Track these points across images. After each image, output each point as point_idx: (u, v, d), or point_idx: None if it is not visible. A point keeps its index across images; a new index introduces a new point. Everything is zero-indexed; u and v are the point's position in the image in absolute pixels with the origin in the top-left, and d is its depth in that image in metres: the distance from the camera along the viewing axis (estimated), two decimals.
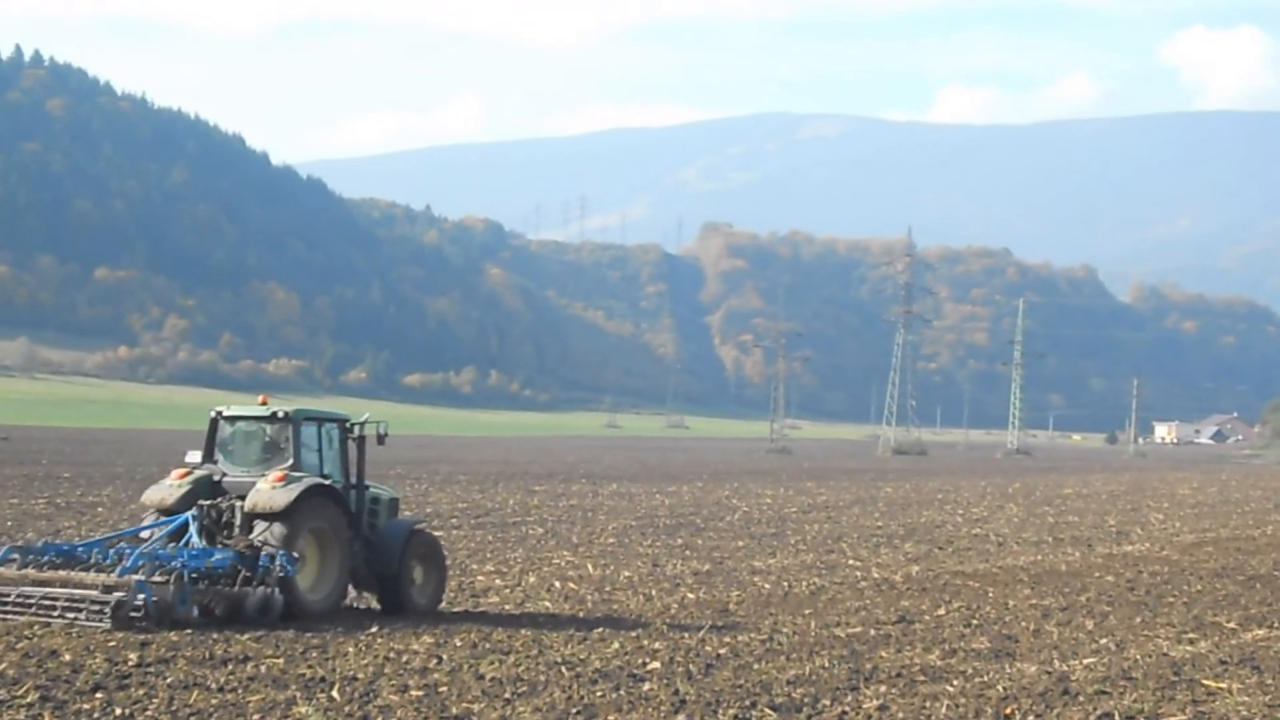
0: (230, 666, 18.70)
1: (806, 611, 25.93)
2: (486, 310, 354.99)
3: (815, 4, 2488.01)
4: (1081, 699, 18.51)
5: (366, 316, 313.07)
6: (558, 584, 29.32)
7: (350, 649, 20.27)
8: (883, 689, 18.64)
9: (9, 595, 21.05)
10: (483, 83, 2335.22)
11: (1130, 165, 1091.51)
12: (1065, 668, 20.68)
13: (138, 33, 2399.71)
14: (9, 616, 20.92)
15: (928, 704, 17.84)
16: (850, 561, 36.06)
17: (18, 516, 40.21)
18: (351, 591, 24.67)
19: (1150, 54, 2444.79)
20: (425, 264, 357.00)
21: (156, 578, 20.84)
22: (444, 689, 17.74)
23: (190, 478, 23.27)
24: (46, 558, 21.99)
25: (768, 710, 17.25)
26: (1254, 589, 31.89)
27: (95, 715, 15.92)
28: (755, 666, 19.96)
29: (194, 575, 21.15)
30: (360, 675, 18.42)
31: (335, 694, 17.27)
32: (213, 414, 24.01)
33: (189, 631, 21.10)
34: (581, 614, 24.82)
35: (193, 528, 22.54)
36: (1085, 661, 21.28)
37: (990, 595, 29.55)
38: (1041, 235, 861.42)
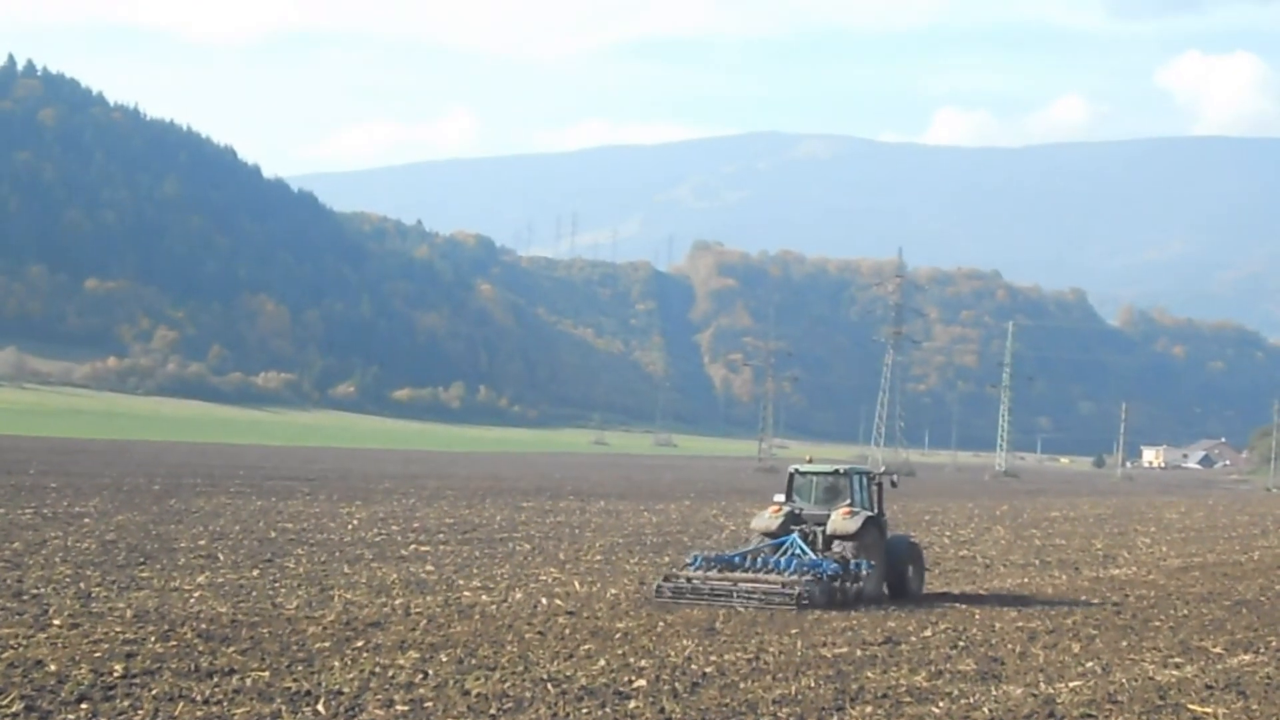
0: (216, 679, 18.67)
1: (793, 631, 25.92)
2: (476, 326, 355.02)
3: (810, 24, 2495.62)
4: None
5: (356, 331, 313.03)
6: (544, 600, 29.27)
7: (336, 663, 20.23)
8: (869, 710, 18.62)
9: (710, 589, 29.56)
10: (476, 98, 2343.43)
11: (1122, 189, 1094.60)
12: (1051, 690, 20.68)
13: (131, 43, 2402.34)
14: (714, 603, 28.98)
15: None
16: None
17: (4, 526, 40.11)
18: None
19: (1145, 78, 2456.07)
20: (415, 279, 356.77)
21: (809, 579, 29.66)
22: (429, 704, 17.69)
23: (782, 512, 32.70)
24: (717, 564, 31.02)
25: None
26: (1240, 614, 31.92)
27: None
28: (741, 686, 19.93)
29: (827, 577, 30.15)
30: (346, 690, 18.38)
31: (320, 708, 17.24)
32: (791, 470, 33.78)
33: (174, 644, 21.13)
34: (568, 630, 24.77)
35: (803, 545, 31.79)
36: (1071, 684, 21.27)
37: (977, 617, 29.57)
38: (1032, 258, 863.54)
